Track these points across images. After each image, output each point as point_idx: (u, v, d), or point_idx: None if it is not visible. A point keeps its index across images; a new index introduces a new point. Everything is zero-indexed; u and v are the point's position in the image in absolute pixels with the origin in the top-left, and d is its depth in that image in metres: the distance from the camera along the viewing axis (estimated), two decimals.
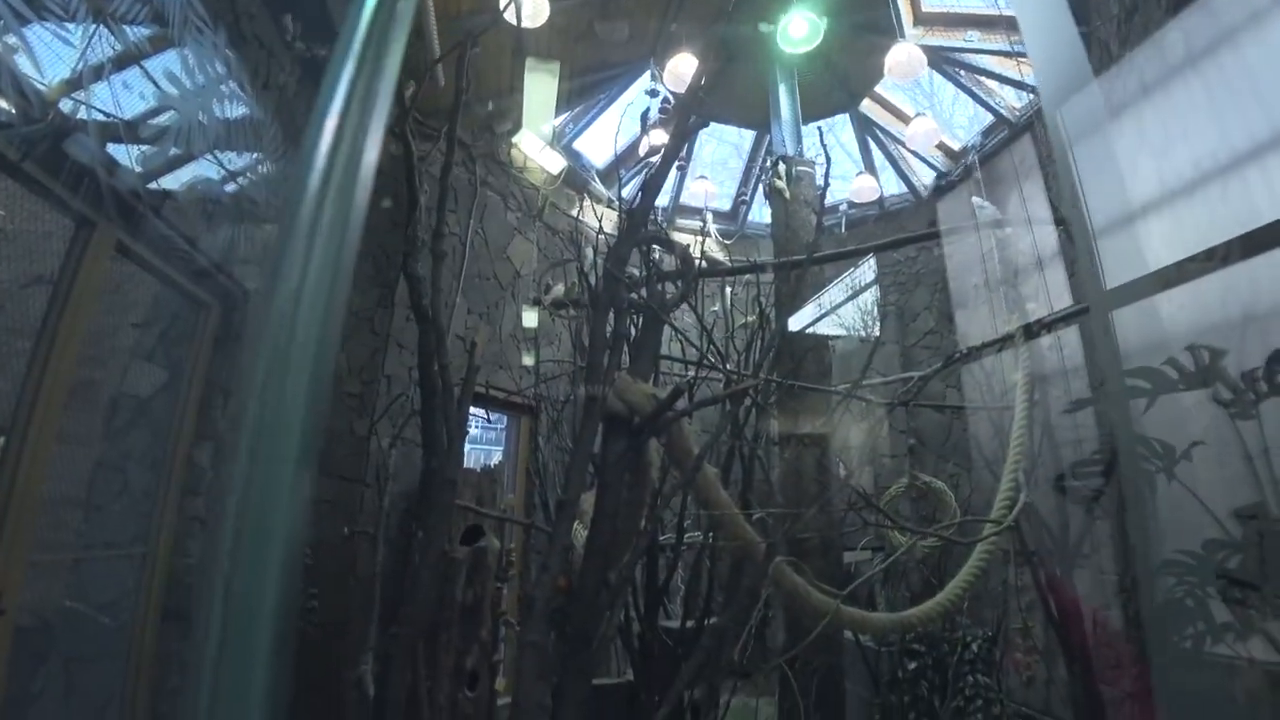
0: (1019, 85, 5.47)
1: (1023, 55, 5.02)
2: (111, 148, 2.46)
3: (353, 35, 0.81)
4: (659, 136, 4.85)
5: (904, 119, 6.58)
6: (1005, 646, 4.09)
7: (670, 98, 5.26)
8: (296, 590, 0.61)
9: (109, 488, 2.71)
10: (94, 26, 2.37)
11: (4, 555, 1.99)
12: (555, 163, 6.21)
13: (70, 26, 2.27)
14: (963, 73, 5.84)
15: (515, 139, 5.87)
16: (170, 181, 2.78)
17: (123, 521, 2.77)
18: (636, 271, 3.21)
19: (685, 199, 7.54)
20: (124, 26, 2.50)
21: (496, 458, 6.11)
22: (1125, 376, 1.53)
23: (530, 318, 5.98)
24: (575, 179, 6.57)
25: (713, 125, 7.24)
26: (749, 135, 7.51)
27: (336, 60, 0.80)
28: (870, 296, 5.03)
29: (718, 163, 8.48)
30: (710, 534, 3.16)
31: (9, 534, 2.00)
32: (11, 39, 2.13)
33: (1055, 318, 3.54)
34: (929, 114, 6.15)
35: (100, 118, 2.32)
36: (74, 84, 2.33)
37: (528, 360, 5.91)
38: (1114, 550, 3.64)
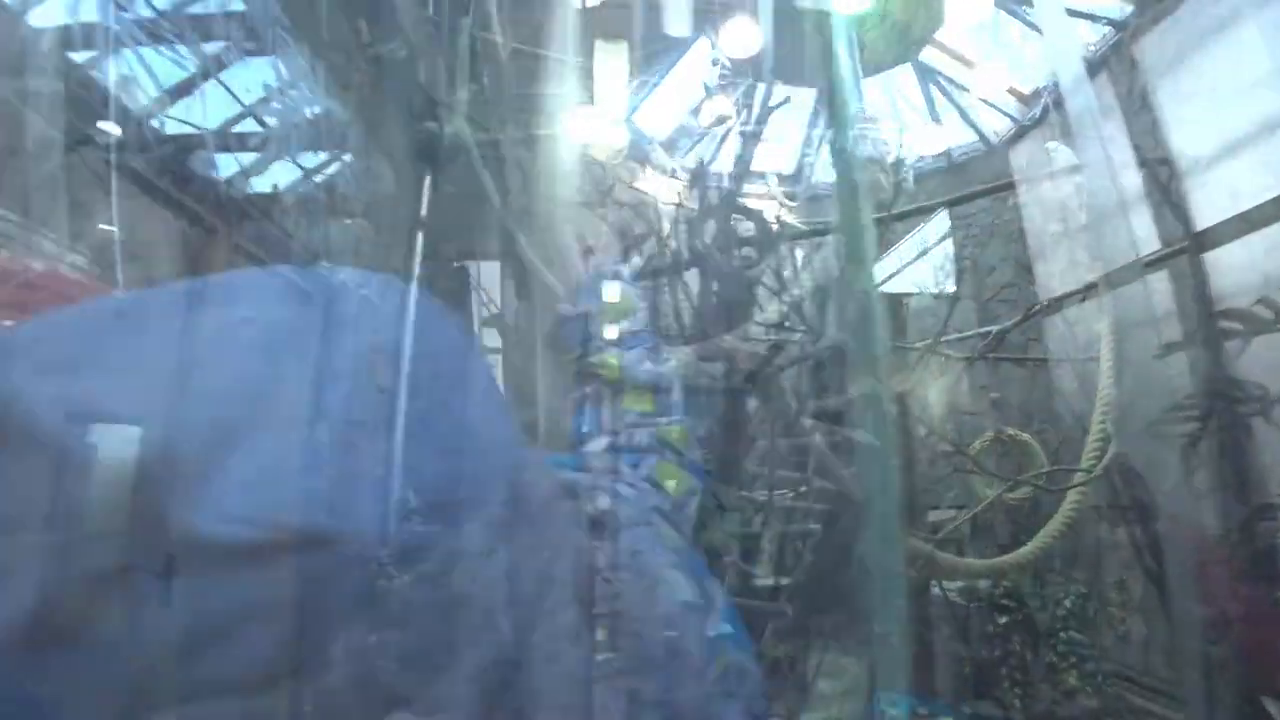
0: (1092, 18, 5.16)
1: None
2: (221, 157, 2.68)
3: None
4: (721, 105, 4.86)
5: (969, 65, 6.32)
6: (1100, 604, 4.00)
7: (728, 65, 5.23)
8: None
9: None
10: (199, 48, 2.58)
11: None
12: (620, 138, 6.27)
13: (181, 49, 2.48)
14: (1030, 9, 5.54)
15: (583, 118, 5.95)
16: (271, 182, 3.00)
17: None
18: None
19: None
20: (221, 43, 2.71)
21: None
22: (1216, 318, 1.51)
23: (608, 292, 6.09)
24: (637, 152, 6.62)
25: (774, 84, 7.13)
26: (809, 94, 7.36)
27: None
28: (944, 251, 4.93)
29: (780, 123, 8.35)
30: (802, 488, 3.20)
31: None
32: (129, 70, 2.36)
33: (1144, 261, 3.42)
34: (996, 57, 5.89)
35: (212, 131, 2.54)
36: (186, 101, 2.55)
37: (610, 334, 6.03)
38: (1214, 499, 3.52)
